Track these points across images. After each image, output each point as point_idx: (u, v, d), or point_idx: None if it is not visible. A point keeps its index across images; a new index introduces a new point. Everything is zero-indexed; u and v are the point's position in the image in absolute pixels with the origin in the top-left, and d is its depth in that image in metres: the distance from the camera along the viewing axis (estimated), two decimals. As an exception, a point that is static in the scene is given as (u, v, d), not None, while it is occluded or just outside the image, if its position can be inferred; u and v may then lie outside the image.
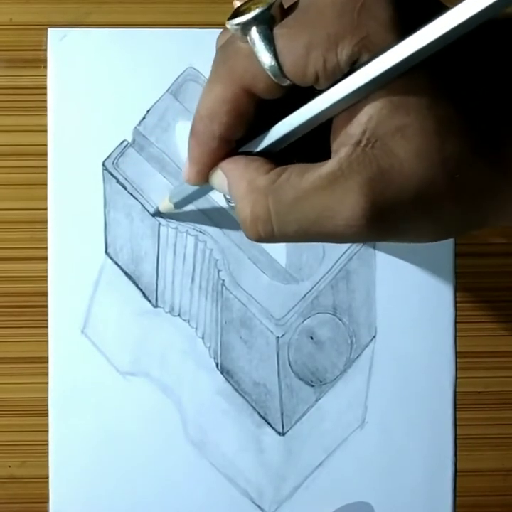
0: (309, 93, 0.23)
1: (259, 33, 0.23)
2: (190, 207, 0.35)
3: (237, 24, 0.23)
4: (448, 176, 0.22)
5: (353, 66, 0.22)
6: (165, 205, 0.34)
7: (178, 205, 0.33)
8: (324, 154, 0.23)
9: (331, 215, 0.23)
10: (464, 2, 0.20)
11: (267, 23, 0.23)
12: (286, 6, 0.23)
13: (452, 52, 0.22)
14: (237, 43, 0.24)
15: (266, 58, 0.23)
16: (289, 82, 0.23)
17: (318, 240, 0.24)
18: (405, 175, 0.22)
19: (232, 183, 0.25)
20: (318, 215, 0.23)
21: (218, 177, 0.26)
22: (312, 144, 0.24)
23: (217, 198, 0.35)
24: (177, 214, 0.35)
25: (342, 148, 0.23)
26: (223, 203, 0.35)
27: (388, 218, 0.23)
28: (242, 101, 0.24)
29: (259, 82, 0.23)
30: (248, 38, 0.23)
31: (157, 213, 0.35)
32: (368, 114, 0.22)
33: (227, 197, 0.32)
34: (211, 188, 0.27)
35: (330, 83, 0.22)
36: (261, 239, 0.24)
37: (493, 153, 0.23)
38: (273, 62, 0.23)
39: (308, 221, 0.23)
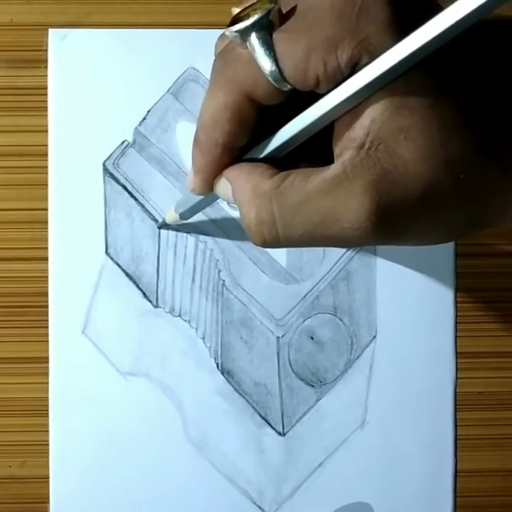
0: (310, 97, 0.23)
1: (259, 39, 0.23)
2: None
3: (237, 31, 0.23)
4: (452, 175, 0.22)
5: (353, 68, 0.22)
6: (171, 216, 0.33)
7: (183, 215, 0.32)
8: (327, 158, 0.23)
9: (336, 217, 0.22)
10: (458, 1, 0.20)
11: (266, 28, 0.23)
12: (284, 11, 0.23)
13: (453, 52, 0.22)
14: (237, 50, 0.24)
15: (266, 64, 0.23)
16: (289, 86, 0.23)
17: (324, 244, 0.24)
18: (410, 176, 0.22)
19: (236, 189, 0.25)
20: (323, 218, 0.23)
21: (223, 185, 0.25)
22: (315, 148, 0.24)
23: (221, 204, 0.35)
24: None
25: (346, 151, 0.22)
26: (225, 206, 0.35)
27: (394, 220, 0.23)
28: (243, 108, 0.24)
29: (260, 88, 0.23)
30: (248, 44, 0.23)
31: (163, 225, 0.35)
32: (370, 116, 0.22)
33: (232, 205, 0.32)
34: (217, 197, 0.27)
35: (330, 87, 0.22)
36: (266, 243, 0.24)
37: (498, 152, 0.23)
38: (273, 67, 0.22)
39: (313, 225, 0.23)
